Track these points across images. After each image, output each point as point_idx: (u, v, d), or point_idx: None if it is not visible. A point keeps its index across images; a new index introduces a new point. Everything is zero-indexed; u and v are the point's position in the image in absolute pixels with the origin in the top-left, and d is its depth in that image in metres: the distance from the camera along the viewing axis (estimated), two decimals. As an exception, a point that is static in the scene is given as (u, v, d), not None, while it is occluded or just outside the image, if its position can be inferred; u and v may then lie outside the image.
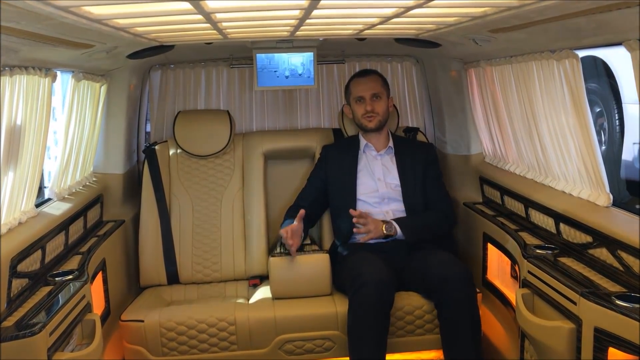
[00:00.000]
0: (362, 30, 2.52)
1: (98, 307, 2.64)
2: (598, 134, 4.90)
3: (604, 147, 5.05)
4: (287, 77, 3.23)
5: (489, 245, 3.00)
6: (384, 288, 2.58)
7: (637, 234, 1.98)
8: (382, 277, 2.61)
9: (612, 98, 5.00)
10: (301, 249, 2.92)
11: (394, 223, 2.91)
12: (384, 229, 2.88)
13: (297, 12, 1.92)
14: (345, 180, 3.10)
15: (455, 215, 3.20)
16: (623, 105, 4.88)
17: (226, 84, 3.76)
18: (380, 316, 2.58)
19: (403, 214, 3.02)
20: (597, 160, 2.27)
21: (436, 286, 2.64)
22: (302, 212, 2.86)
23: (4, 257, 2.00)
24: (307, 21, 2.13)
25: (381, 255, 2.84)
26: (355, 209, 3.01)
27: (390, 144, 3.16)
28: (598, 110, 5.12)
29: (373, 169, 3.11)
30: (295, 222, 2.84)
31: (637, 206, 4.31)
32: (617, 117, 4.99)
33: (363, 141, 3.17)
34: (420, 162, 3.12)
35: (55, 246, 2.48)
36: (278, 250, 2.97)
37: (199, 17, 1.86)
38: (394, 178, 3.08)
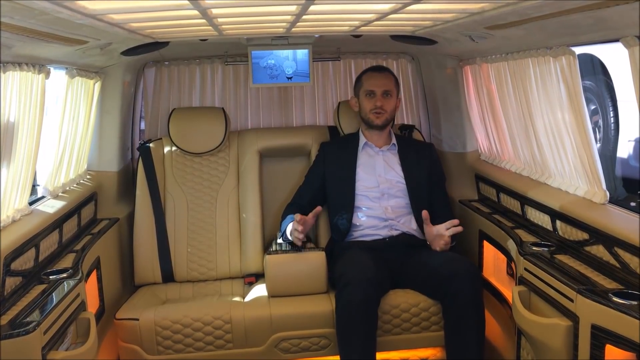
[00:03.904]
0: (358, 27, 2.50)
1: (92, 305, 2.63)
2: (593, 131, 4.91)
3: (599, 145, 5.06)
4: (282, 74, 3.22)
5: (485, 243, 3.00)
6: (369, 287, 2.57)
7: (634, 230, 1.98)
8: (368, 276, 2.59)
9: (608, 96, 5.01)
10: (298, 247, 2.91)
11: None
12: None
13: (293, 8, 1.91)
14: (344, 177, 3.08)
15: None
16: (618, 102, 4.90)
17: (221, 81, 3.74)
18: (366, 315, 2.56)
19: (404, 210, 3.02)
20: (593, 157, 2.26)
21: (444, 282, 2.62)
22: (318, 208, 2.86)
23: None
24: (303, 17, 2.12)
25: (377, 254, 2.83)
26: (353, 205, 3.01)
27: (394, 141, 3.15)
28: (593, 107, 5.13)
29: (374, 164, 3.10)
30: (310, 216, 2.84)
31: (633, 203, 4.33)
32: (612, 115, 5.00)
33: (363, 139, 3.16)
34: (425, 162, 3.12)
35: (49, 244, 2.46)
36: (274, 248, 2.96)
37: (195, 12, 1.85)
38: (396, 174, 3.07)
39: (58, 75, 2.65)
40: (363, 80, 3.13)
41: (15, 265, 2.13)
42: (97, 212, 3.18)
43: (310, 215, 2.83)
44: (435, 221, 2.90)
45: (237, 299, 2.97)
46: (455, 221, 2.79)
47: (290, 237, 2.89)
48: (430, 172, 3.11)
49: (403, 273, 2.83)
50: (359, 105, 3.15)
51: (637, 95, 1.83)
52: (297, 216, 2.81)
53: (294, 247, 2.90)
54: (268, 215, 3.39)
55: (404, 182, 3.05)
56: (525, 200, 2.71)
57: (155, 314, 2.73)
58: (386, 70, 3.17)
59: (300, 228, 2.79)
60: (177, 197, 3.31)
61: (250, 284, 3.15)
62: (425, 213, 2.84)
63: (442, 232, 2.79)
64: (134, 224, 3.24)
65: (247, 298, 2.94)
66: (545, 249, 2.42)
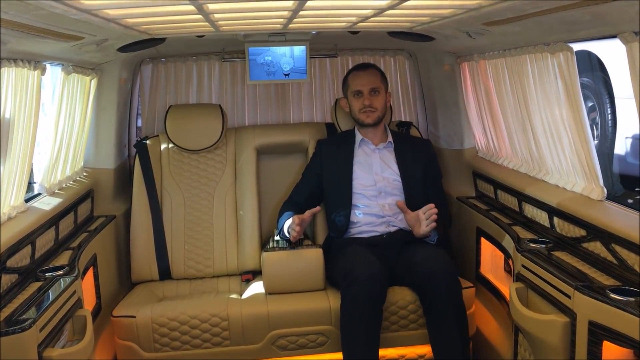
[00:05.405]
0: (355, 23, 2.50)
1: (89, 302, 2.62)
2: (590, 128, 4.92)
3: (596, 142, 5.07)
4: (279, 70, 3.21)
5: (483, 240, 2.99)
6: (375, 284, 2.57)
7: (631, 227, 1.98)
8: (374, 273, 2.60)
9: (605, 92, 5.01)
10: (295, 244, 2.91)
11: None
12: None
13: (289, 3, 1.90)
14: (341, 174, 3.07)
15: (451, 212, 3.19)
16: (616, 99, 4.90)
17: (218, 78, 3.73)
18: (372, 312, 2.56)
19: (400, 208, 3.01)
20: (591, 154, 2.26)
21: (421, 281, 2.63)
22: (317, 208, 2.84)
23: None
24: (300, 13, 2.11)
25: (375, 250, 2.82)
26: (350, 203, 3.00)
27: (390, 138, 3.14)
28: (591, 104, 5.13)
29: (370, 162, 3.09)
30: (307, 214, 2.81)
31: (630, 200, 4.33)
32: (609, 112, 5.01)
33: (359, 136, 3.15)
34: (421, 159, 3.10)
35: (45, 241, 2.45)
36: (271, 245, 2.95)
37: (191, 8, 1.84)
38: (392, 172, 3.06)
39: (54, 72, 2.65)
40: (349, 81, 3.12)
41: (11, 263, 2.12)
42: (94, 210, 3.17)
43: (308, 213, 2.82)
44: None
45: (234, 296, 2.97)
46: (431, 205, 2.77)
47: (287, 234, 2.89)
48: (426, 169, 3.10)
49: (399, 270, 2.83)
50: (349, 106, 3.14)
51: (636, 92, 1.82)
52: (296, 218, 2.79)
53: (291, 244, 2.90)
54: (265, 212, 3.38)
55: (400, 180, 3.04)
56: (522, 197, 2.71)
57: (152, 311, 2.73)
58: (371, 67, 3.15)
59: (297, 229, 2.78)
60: (174, 194, 3.30)
61: (248, 281, 3.14)
62: (400, 202, 2.84)
63: (420, 217, 2.79)
64: (131, 221, 3.23)
65: (245, 295, 2.93)
66: (543, 245, 2.42)
